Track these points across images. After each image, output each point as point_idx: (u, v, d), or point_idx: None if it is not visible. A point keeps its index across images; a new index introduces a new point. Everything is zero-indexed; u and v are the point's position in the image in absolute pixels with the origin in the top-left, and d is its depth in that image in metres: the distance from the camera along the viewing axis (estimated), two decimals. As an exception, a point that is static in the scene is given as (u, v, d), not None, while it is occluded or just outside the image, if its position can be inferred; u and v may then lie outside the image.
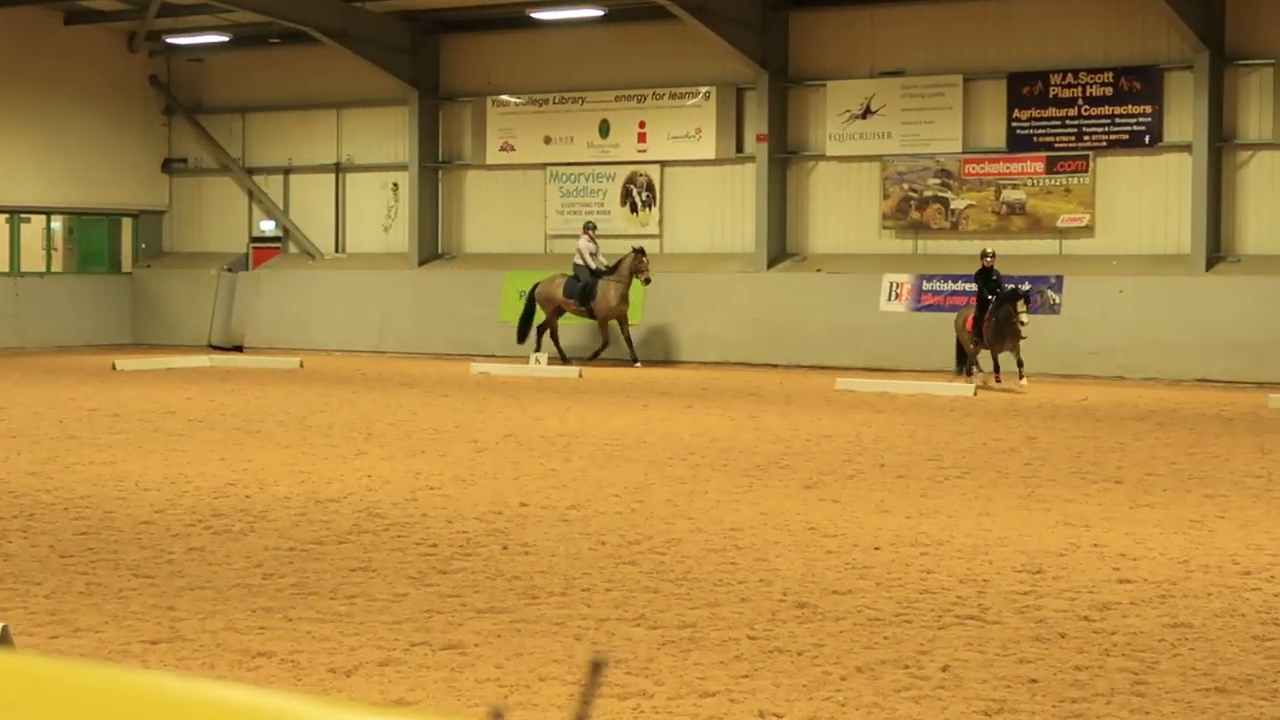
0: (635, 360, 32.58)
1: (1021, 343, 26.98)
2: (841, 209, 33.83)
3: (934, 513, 13.76)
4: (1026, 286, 27.95)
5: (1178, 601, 10.18)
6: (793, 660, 8.69)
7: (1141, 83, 30.95)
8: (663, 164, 35.32)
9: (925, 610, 9.90)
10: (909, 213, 32.99)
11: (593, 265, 33.14)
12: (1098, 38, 31.35)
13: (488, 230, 37.58)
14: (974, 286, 28.60)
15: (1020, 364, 27.10)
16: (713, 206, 35.07)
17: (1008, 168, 32.19)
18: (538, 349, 32.97)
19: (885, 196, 33.28)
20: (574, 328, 33.84)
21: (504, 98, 36.81)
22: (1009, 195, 32.20)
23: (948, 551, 11.90)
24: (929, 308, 31.98)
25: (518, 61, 36.80)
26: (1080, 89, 31.45)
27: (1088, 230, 31.56)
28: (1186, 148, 30.48)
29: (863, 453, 18.13)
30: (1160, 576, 10.96)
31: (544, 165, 36.52)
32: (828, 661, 8.65)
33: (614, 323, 33.02)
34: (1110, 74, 31.17)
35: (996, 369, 27.58)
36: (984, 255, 27.94)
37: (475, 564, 11.38)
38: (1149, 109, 30.93)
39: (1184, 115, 30.54)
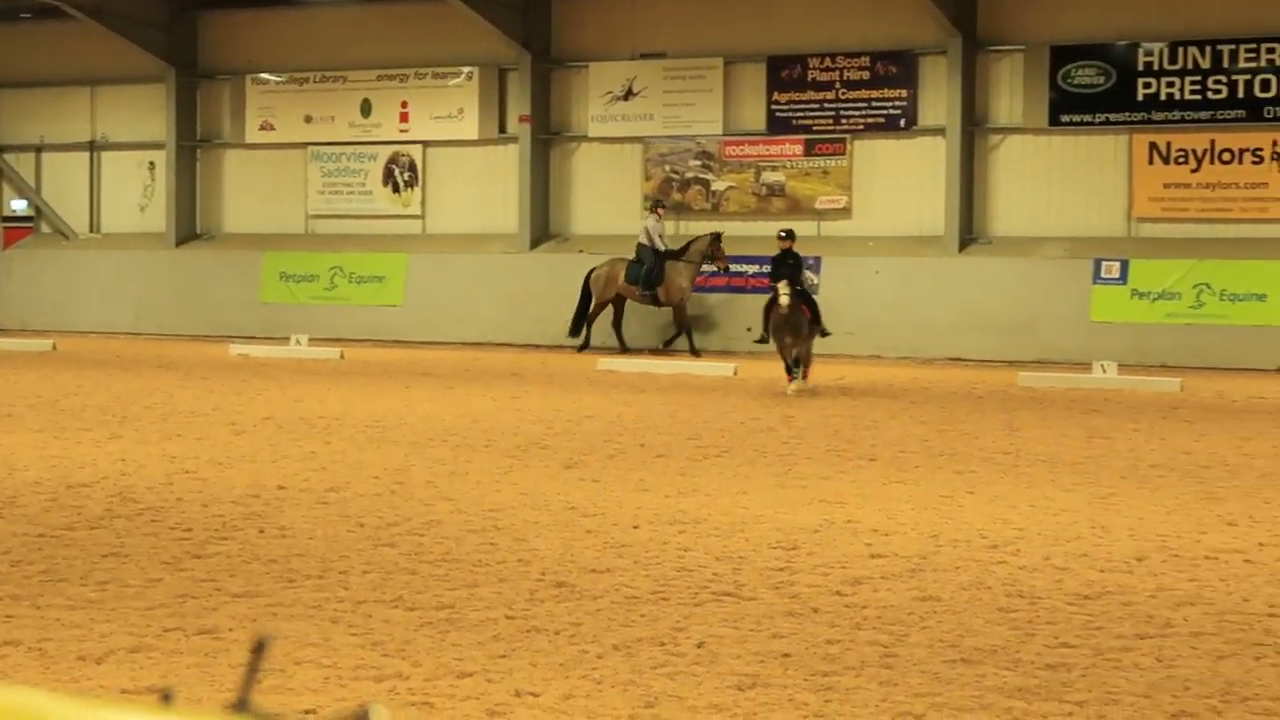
0: (696, 353, 30.17)
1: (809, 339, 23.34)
2: (604, 190, 33.97)
3: (692, 491, 13.91)
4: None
5: (927, 575, 10.41)
6: (550, 639, 8.73)
7: (897, 67, 31.52)
8: (425, 144, 35.14)
9: (682, 588, 10.01)
10: (670, 194, 33.22)
11: (660, 247, 31.02)
12: (855, 23, 31.85)
13: (247, 210, 37.06)
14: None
15: (798, 363, 23.31)
16: (476, 187, 34.98)
17: (767, 150, 32.58)
18: (585, 342, 31.23)
19: (647, 178, 33.48)
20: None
21: (264, 76, 36.34)
22: (769, 177, 32.59)
23: (705, 529, 12.03)
24: (693, 289, 32.26)
25: (278, 39, 36.33)
26: (838, 73, 31.94)
27: (845, 212, 32.08)
28: (940, 131, 31.12)
29: (623, 432, 18.25)
30: (911, 551, 11.20)
31: (305, 145, 36.13)
32: (585, 640, 8.71)
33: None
34: (867, 58, 31.70)
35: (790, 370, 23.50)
36: (781, 235, 23.99)
37: (231, 548, 11.24)
38: (904, 93, 31.52)
39: (938, 99, 31.17)
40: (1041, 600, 9.69)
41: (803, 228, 32.24)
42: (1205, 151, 29.50)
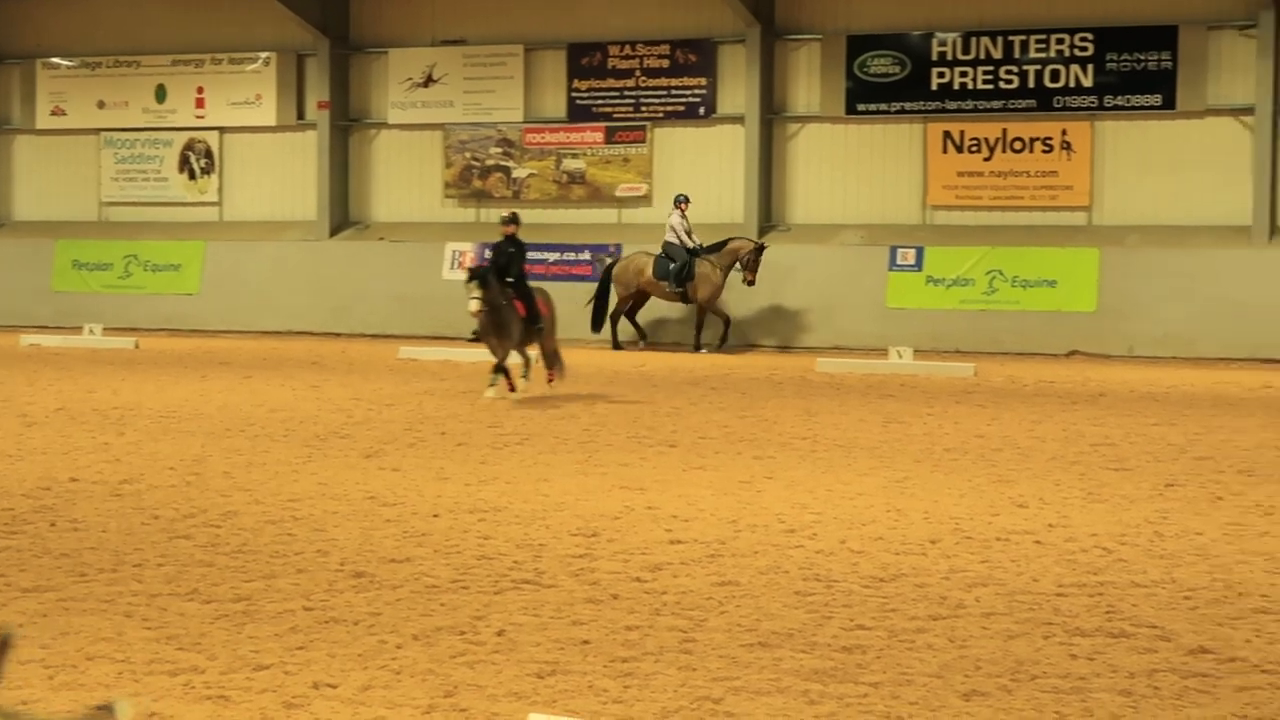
0: (700, 347, 29.47)
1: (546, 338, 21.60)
2: (404, 177, 33.77)
3: (493, 479, 13.88)
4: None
5: (726, 560, 10.50)
6: (348, 630, 8.67)
7: (697, 55, 31.70)
8: (222, 130, 34.66)
9: (482, 576, 9.99)
10: (471, 181, 33.12)
11: (689, 244, 29.61)
12: (654, 11, 31.98)
13: (39, 198, 36.28)
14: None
15: (527, 362, 21.63)
16: (274, 174, 34.58)
17: (568, 137, 32.60)
18: (616, 341, 30.01)
19: (448, 165, 33.34)
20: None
21: (55, 60, 35.58)
22: (569, 164, 32.61)
23: (506, 517, 12.02)
24: (492, 276, 32.20)
25: (70, 23, 35.58)
26: (638, 61, 32.05)
27: (646, 200, 32.20)
28: (740, 119, 31.36)
29: (424, 421, 18.16)
30: (710, 537, 11.29)
31: (97, 131, 35.45)
32: (384, 630, 8.66)
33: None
34: (667, 46, 31.84)
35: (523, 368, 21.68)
36: (503, 220, 21.57)
37: (21, 542, 11.00)
38: (704, 81, 31.71)
39: (737, 88, 31.40)
40: (838, 583, 9.82)
41: (603, 215, 32.37)
42: (998, 140, 30.05)
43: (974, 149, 30.19)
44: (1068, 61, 29.55)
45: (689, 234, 29.58)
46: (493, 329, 20.51)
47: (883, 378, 24.18)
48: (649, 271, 29.64)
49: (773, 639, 8.48)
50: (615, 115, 32.31)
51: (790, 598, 9.43)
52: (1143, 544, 11.09)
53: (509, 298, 20.56)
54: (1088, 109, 29.49)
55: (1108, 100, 29.37)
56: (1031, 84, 29.80)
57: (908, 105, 30.51)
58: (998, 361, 27.03)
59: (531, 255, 30.96)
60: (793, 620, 8.89)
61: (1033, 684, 7.65)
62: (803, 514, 12.24)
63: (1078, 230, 29.53)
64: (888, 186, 30.70)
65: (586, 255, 31.81)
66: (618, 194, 32.35)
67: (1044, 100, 29.73)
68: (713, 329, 29.72)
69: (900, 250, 29.95)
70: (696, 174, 31.85)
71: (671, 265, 29.42)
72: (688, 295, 29.51)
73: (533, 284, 21.57)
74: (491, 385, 20.77)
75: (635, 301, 30.17)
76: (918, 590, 9.64)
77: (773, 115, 31.41)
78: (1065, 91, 29.59)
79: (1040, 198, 29.83)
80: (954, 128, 30.28)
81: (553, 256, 31.74)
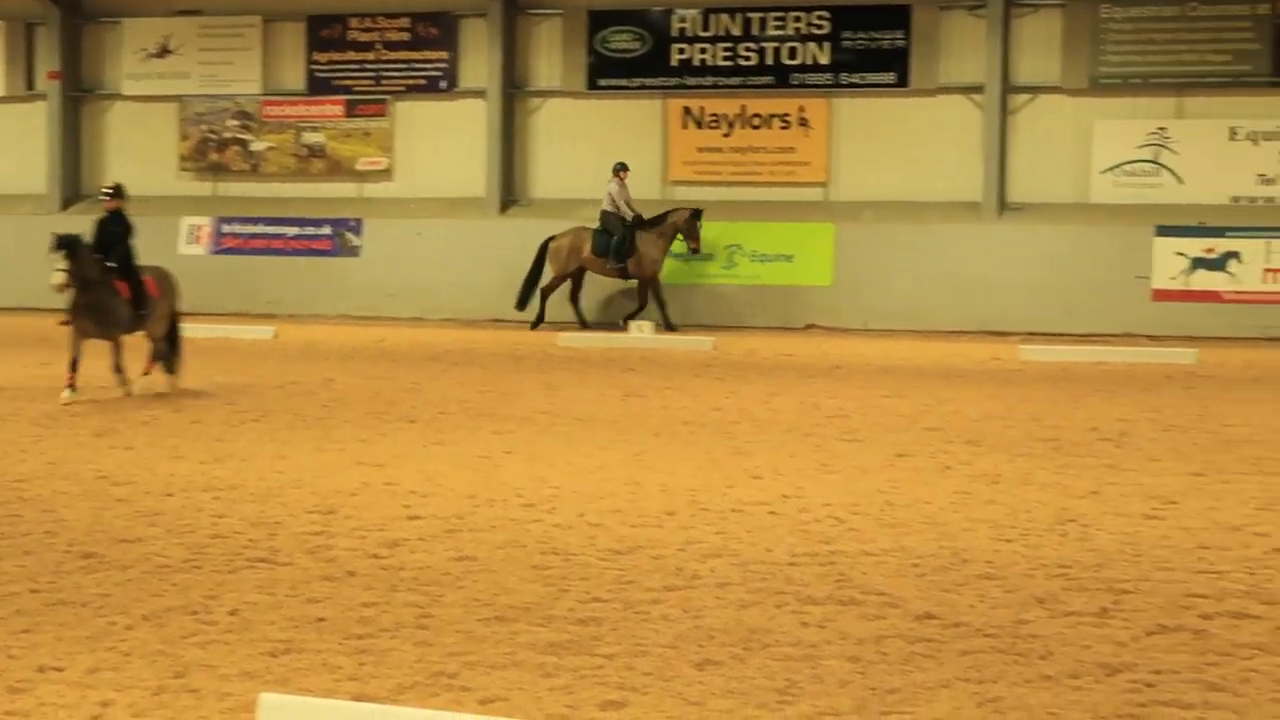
0: (672, 326, 28.26)
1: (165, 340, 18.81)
2: (139, 150, 33.09)
3: (229, 457, 13.68)
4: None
5: (464, 535, 10.48)
6: (76, 612, 8.48)
7: (438, 29, 31.55)
8: (-54, 100, 33.63)
9: (216, 555, 9.84)
10: (208, 155, 32.60)
11: (628, 215, 28.67)
12: (394, -17, 31.77)
13: None
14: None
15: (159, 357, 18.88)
16: (3, 146, 33.65)
17: (308, 110, 32.24)
18: (540, 317, 28.90)
19: (184, 138, 32.76)
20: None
21: None
22: (309, 138, 32.26)
23: (241, 495, 11.86)
24: (229, 250, 31.77)
25: None
26: (379, 33, 31.80)
27: (387, 174, 31.99)
28: (481, 94, 31.29)
29: (158, 398, 17.82)
30: (449, 512, 11.26)
31: None
32: (113, 611, 8.49)
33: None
34: (408, 19, 31.65)
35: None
36: (104, 194, 18.69)
37: None
38: (445, 55, 31.58)
39: (479, 62, 31.33)
40: (575, 557, 9.87)
41: (345, 189, 32.07)
42: (736, 116, 30.40)
43: (713, 125, 30.50)
44: (805, 39, 29.99)
45: (628, 204, 28.75)
46: (86, 312, 17.56)
47: (624, 352, 24.33)
48: (587, 248, 28.66)
49: (509, 613, 8.49)
50: (356, 89, 32.02)
51: (528, 572, 9.46)
52: (873, 513, 11.32)
53: (109, 277, 17.70)
54: (824, 86, 29.97)
55: (843, 78, 29.89)
56: (770, 61, 30.20)
57: (648, 81, 30.72)
58: (736, 335, 27.38)
59: (270, 230, 30.83)
60: (530, 594, 8.91)
61: (765, 652, 7.77)
62: (541, 488, 12.27)
63: (814, 206, 30.01)
64: (628, 161, 30.85)
65: (327, 230, 31.51)
66: (358, 168, 32.08)
67: (782, 77, 30.15)
68: (638, 305, 28.94)
69: (641, 225, 30.10)
70: (438, 148, 31.72)
71: (611, 239, 28.45)
72: (629, 270, 28.63)
73: (158, 265, 19.26)
74: (69, 387, 17.37)
75: (575, 281, 29.14)
76: (654, 562, 9.73)
77: (514, 90, 31.39)
78: (802, 69, 30.04)
79: (778, 174, 30.25)
80: (694, 104, 30.56)
81: (292, 231, 31.38)
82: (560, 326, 28.26)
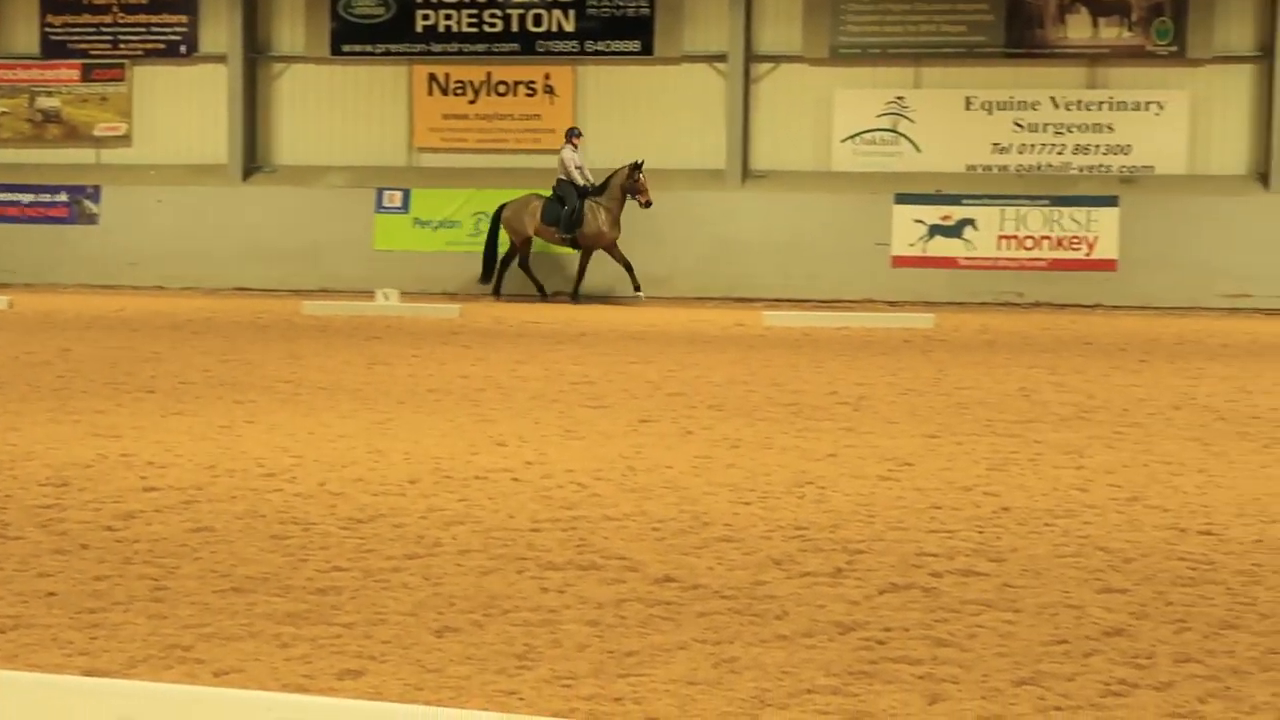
0: (638, 290, 27.68)
1: None
2: None
3: (-42, 430, 13.32)
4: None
5: (202, 506, 10.33)
6: None
7: (176, -8, 30.96)
8: None
9: (-58, 530, 9.58)
10: (-63, 119, 31.59)
11: (580, 181, 27.82)
12: (131, -56, 31.06)
13: None
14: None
15: None
16: None
17: (42, 74, 31.43)
18: (498, 286, 28.06)
19: (-89, 101, 31.72)
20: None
21: None
22: (44, 103, 31.47)
23: (-30, 469, 11.55)
24: (-39, 218, 30.90)
25: None
26: (116, -4, 31.11)
27: (125, 140, 31.33)
28: (223, 59, 30.77)
29: (-115, 370, 17.28)
30: (186, 483, 11.08)
31: None
32: None
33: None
34: (145, -18, 31.00)
35: None
36: None
37: None
38: (185, 19, 31.01)
39: (219, 26, 30.80)
40: (315, 526, 9.78)
41: (82, 156, 31.35)
42: (482, 83, 30.32)
43: (459, 92, 30.38)
44: (550, 6, 30.00)
45: (580, 169, 27.86)
46: None
47: (369, 320, 24.16)
48: (539, 216, 27.83)
49: (246, 584, 8.40)
50: (92, 52, 31.29)
51: (266, 542, 9.35)
52: (616, 478, 11.40)
53: None
54: (570, 54, 30.02)
55: (589, 45, 29.97)
56: (515, 28, 30.16)
57: (393, 47, 30.48)
58: (484, 303, 27.32)
59: (4, 197, 29.95)
60: (268, 564, 8.82)
61: (504, 618, 7.78)
62: (282, 457, 12.14)
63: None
64: (374, 129, 30.64)
65: (64, 196, 30.77)
66: (96, 134, 31.35)
67: (528, 44, 30.13)
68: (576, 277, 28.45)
69: (387, 192, 29.95)
70: (179, 114, 31.16)
71: (562, 208, 27.61)
72: (577, 241, 27.81)
73: None
74: None
75: (525, 249, 28.33)
76: (395, 530, 9.69)
77: (256, 55, 30.93)
78: (548, 36, 30.05)
79: (525, 140, 30.25)
80: (439, 70, 30.41)
81: (27, 198, 30.60)
82: (515, 298, 27.96)
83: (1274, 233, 27.94)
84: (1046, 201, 28.39)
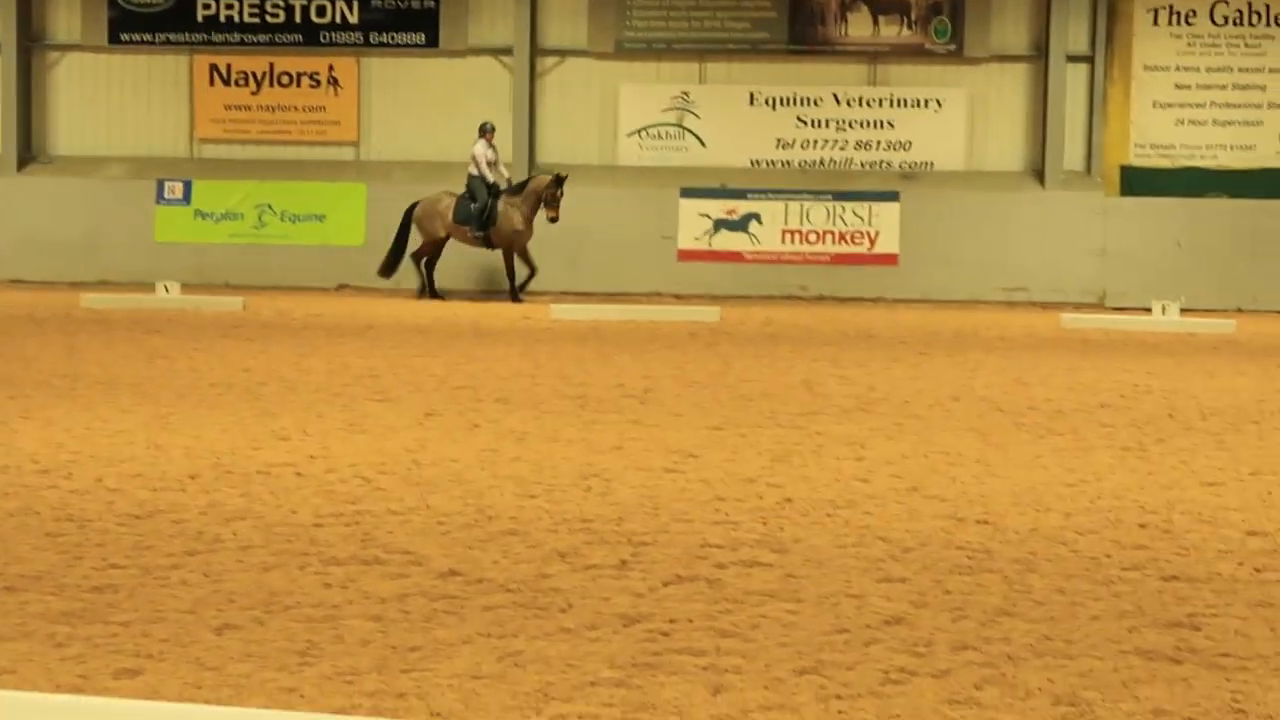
0: (517, 296, 26.82)
1: None
2: None
3: None
4: None
5: (-27, 505, 10.07)
6: None
7: (-53, -23, 30.14)
8: None
9: None
10: None
11: (490, 178, 26.76)
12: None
13: None
14: None
15: None
16: None
17: None
18: (429, 286, 27.01)
19: None
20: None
21: None
22: None
23: None
24: None
25: None
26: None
27: (-107, 128, 30.43)
28: (-5, 46, 30.04)
29: None
30: (-43, 480, 10.80)
31: None
32: None
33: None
34: (-87, -34, 30.14)
35: None
36: None
37: None
38: (-44, 4, 30.18)
39: (-8, 13, 30.06)
40: (92, 523, 9.58)
41: None
42: (265, 74, 29.94)
43: (241, 82, 29.98)
44: (334, -3, 29.72)
45: (491, 165, 26.85)
46: None
47: (150, 313, 23.74)
48: (451, 215, 26.92)
49: (20, 583, 8.19)
50: None
51: (41, 540, 9.14)
52: (401, 472, 11.33)
53: None
54: (354, 45, 29.77)
55: (373, 37, 29.73)
56: (298, 19, 29.82)
57: (173, 36, 29.97)
58: (268, 296, 27.01)
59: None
60: (42, 563, 8.62)
61: (286, 614, 7.69)
62: (59, 453, 11.87)
63: (346, 165, 29.81)
64: (154, 119, 30.12)
65: None
66: None
67: (311, 35, 29.82)
68: (528, 273, 27.39)
69: (168, 184, 29.46)
70: (-51, 102, 30.34)
71: (473, 206, 26.67)
72: (490, 240, 26.91)
73: None
74: None
75: (437, 248, 27.43)
76: (175, 526, 9.52)
77: (31, 44, 30.23)
78: (332, 27, 29.77)
79: (308, 132, 29.94)
80: (221, 60, 29.98)
81: None
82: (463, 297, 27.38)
83: (1049, 228, 28.61)
84: (829, 196, 28.76)
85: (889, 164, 29.34)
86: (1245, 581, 8.60)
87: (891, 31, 29.50)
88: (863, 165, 29.36)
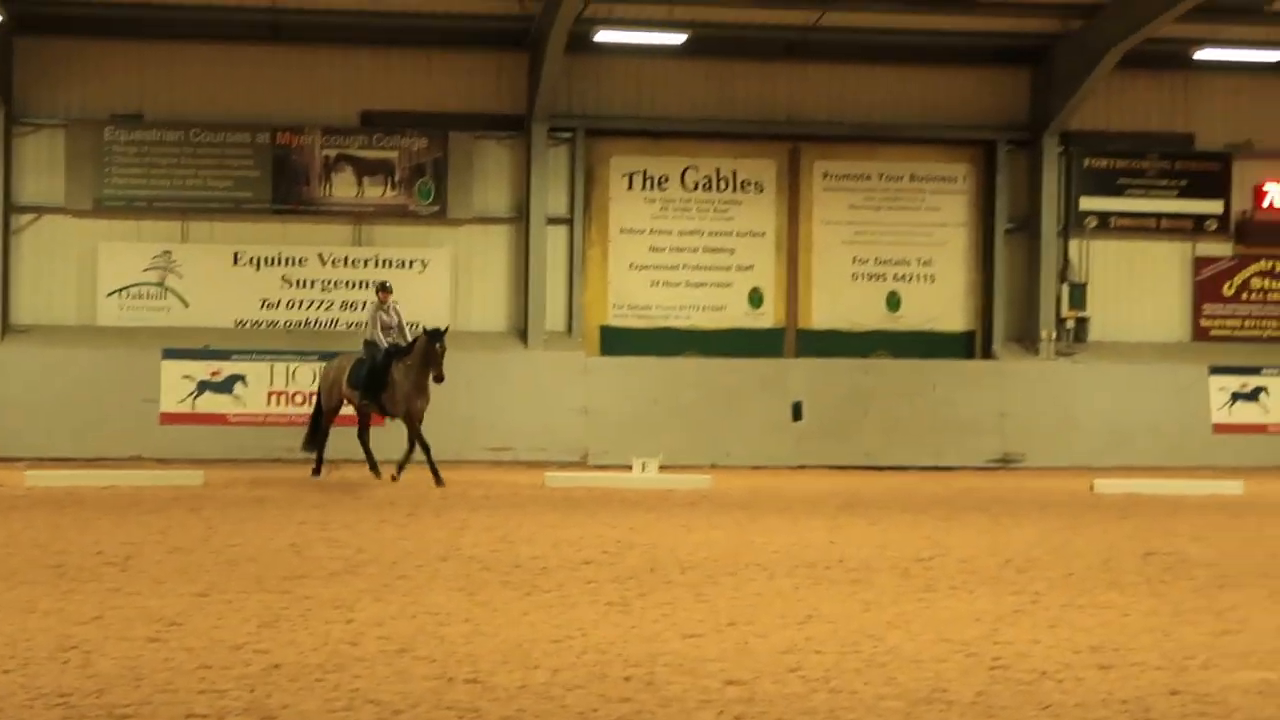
0: (396, 476, 23.89)
1: None
2: None
3: None
4: None
5: None
6: None
7: None
8: None
9: None
10: None
11: (385, 342, 24.09)
12: None
13: None
14: None
15: None
16: None
17: None
18: (317, 465, 24.50)
19: None
20: None
21: None
22: None
23: None
24: None
25: None
26: None
27: None
28: None
29: None
30: None
31: None
32: None
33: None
34: None
35: None
36: None
37: None
38: None
39: None
40: None
41: None
42: None
43: None
44: None
45: (386, 329, 24.46)
46: None
47: None
48: (345, 379, 24.59)
49: None
50: None
51: None
52: None
53: None
54: None
55: None
56: None
57: None
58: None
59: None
60: None
61: None
62: None
63: None
64: None
65: None
66: None
67: None
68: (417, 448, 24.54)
69: None
70: None
71: (363, 369, 24.32)
72: (384, 407, 24.40)
73: None
74: None
75: (361, 417, 24.87)
76: None
77: None
78: None
79: None
80: None
81: None
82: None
83: (533, 387, 29.17)
84: (315, 357, 28.66)
85: (375, 324, 29.46)
86: (724, 730, 8.88)
87: (376, 192, 29.79)
88: (349, 326, 29.41)
